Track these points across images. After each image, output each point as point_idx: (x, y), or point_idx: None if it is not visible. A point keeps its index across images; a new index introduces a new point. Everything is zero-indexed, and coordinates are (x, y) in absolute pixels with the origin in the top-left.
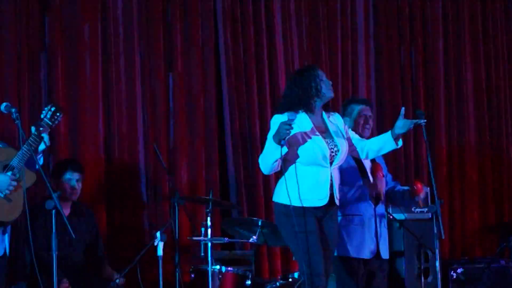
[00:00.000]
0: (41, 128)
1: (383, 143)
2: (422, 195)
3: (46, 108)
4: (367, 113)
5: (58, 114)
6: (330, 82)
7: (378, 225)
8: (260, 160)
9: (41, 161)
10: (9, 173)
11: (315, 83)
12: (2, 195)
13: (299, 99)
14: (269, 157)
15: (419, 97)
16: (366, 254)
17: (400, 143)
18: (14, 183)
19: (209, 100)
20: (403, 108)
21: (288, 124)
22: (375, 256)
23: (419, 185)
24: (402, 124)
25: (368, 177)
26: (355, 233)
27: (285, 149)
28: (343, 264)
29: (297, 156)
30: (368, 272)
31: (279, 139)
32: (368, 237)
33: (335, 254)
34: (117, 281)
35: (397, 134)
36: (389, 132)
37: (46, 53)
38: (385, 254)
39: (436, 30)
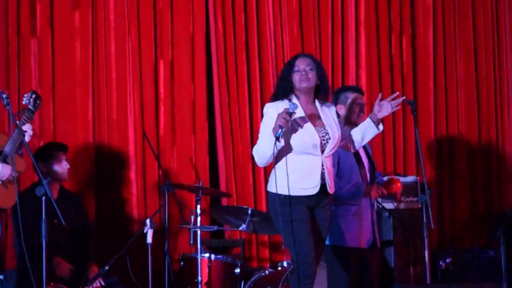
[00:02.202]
0: (31, 115)
1: (365, 130)
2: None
3: (27, 95)
4: (361, 101)
5: (38, 101)
6: (303, 73)
7: (372, 214)
8: (255, 152)
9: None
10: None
11: (289, 75)
12: (0, 182)
13: (282, 90)
14: (266, 150)
15: (409, 86)
16: (363, 243)
17: (381, 127)
18: (15, 173)
19: (199, 87)
20: (380, 94)
21: (287, 115)
22: (373, 244)
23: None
24: (377, 109)
25: (365, 169)
26: (352, 222)
27: (280, 144)
28: (336, 253)
29: (289, 145)
30: (363, 261)
31: (275, 131)
32: (366, 226)
33: (329, 243)
34: (106, 268)
35: (378, 118)
36: (369, 118)
37: (37, 40)
38: (378, 243)
39: (426, 20)
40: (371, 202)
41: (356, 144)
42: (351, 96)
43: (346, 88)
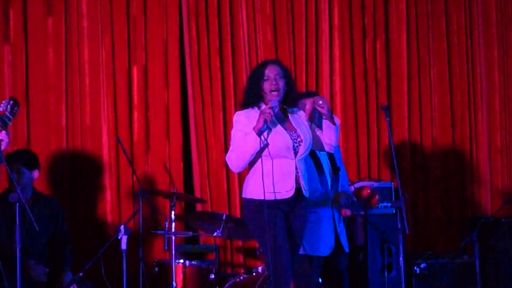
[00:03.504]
0: (7, 122)
1: (327, 130)
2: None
3: (4, 102)
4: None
5: (16, 108)
6: (274, 82)
7: (337, 220)
8: (229, 159)
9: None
10: None
11: (258, 83)
12: None
13: (251, 97)
14: (246, 151)
15: (383, 91)
16: (322, 251)
17: (337, 121)
18: None
19: (173, 93)
20: (319, 97)
21: (270, 109)
22: (338, 249)
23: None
24: (326, 108)
25: (325, 175)
26: (311, 229)
27: (263, 142)
28: (298, 261)
29: (262, 150)
30: (328, 268)
31: (260, 127)
32: (324, 233)
33: None
34: (80, 274)
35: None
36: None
37: (10, 46)
38: (347, 247)
39: (400, 24)
40: (334, 208)
41: (324, 145)
42: (308, 101)
43: (303, 95)
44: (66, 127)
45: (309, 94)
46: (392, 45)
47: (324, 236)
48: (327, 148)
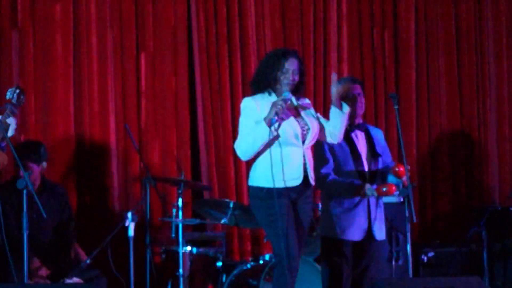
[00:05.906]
0: (14, 110)
1: (332, 117)
2: (404, 177)
3: (11, 90)
4: (356, 92)
5: (22, 96)
6: (291, 78)
7: (371, 205)
8: (238, 146)
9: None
10: None
11: (274, 73)
12: None
13: (262, 84)
14: (256, 141)
15: (391, 79)
16: (355, 236)
17: (345, 108)
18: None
19: (181, 80)
20: (334, 74)
21: (283, 101)
22: (368, 237)
23: (401, 168)
24: (335, 90)
25: (362, 160)
26: (344, 214)
27: (272, 134)
28: (328, 245)
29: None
30: (358, 253)
31: (270, 118)
32: (359, 218)
33: (321, 235)
34: (87, 261)
35: (334, 100)
36: (331, 104)
37: (18, 32)
38: (380, 235)
39: (408, 13)
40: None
41: (332, 135)
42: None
43: (341, 81)
44: (73, 113)
45: (346, 80)
46: (401, 33)
47: (356, 222)
48: (328, 139)
